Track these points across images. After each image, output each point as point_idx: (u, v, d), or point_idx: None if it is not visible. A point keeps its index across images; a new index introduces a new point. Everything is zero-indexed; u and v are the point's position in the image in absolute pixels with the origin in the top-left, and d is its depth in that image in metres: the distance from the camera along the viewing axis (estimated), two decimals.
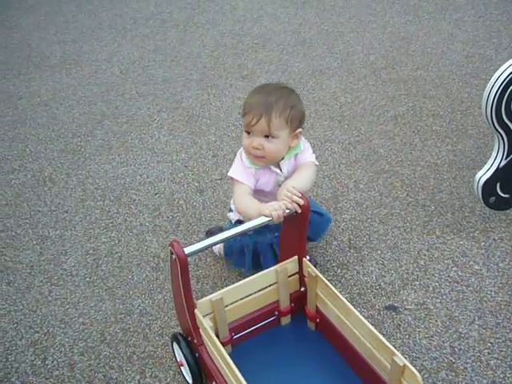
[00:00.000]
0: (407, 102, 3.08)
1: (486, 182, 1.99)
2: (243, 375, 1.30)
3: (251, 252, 1.89)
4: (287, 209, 1.54)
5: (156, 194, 2.51)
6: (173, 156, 2.76)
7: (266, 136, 1.65)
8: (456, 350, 1.76)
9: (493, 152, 1.99)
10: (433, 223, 2.26)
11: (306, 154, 1.80)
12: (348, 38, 3.85)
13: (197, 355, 1.59)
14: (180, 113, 3.12)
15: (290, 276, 1.69)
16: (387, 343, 1.36)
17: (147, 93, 3.35)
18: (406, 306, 1.92)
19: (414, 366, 1.30)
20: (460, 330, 1.83)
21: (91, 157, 2.81)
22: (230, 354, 1.39)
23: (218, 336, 1.57)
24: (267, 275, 1.66)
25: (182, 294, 1.47)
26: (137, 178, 2.62)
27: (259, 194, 1.77)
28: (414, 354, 1.75)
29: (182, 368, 1.68)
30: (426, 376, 1.68)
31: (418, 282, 2.00)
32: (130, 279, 2.09)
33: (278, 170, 1.77)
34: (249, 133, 1.68)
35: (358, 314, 1.47)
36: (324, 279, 1.59)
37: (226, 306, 1.59)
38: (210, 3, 4.59)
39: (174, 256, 1.42)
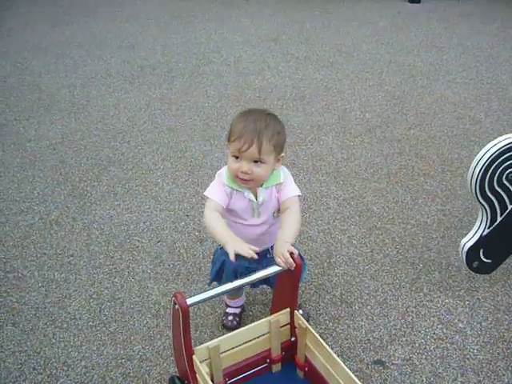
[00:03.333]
0: (400, 161, 3.24)
1: (470, 248, 2.13)
2: None
3: (218, 266, 1.98)
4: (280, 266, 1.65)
5: (158, 241, 2.63)
6: (175, 205, 2.89)
7: (255, 161, 1.71)
8: None
9: (477, 221, 2.14)
10: (421, 281, 2.38)
11: (289, 187, 1.82)
12: (346, 95, 4.04)
13: None
14: (183, 162, 3.27)
15: (281, 326, 1.81)
16: None
17: (152, 141, 3.51)
18: (393, 361, 2.02)
19: None
20: None
21: (97, 202, 2.94)
22: None
23: (213, 380, 1.67)
24: (261, 325, 1.78)
25: (182, 340, 1.59)
26: (140, 225, 2.74)
27: (230, 213, 1.83)
28: None
29: None
30: None
31: (405, 338, 2.11)
32: (131, 325, 2.19)
33: (251, 197, 1.79)
34: (237, 157, 1.73)
35: (342, 364, 1.60)
36: (313, 331, 1.72)
37: (222, 353, 1.70)
38: (214, 54, 4.81)
39: (176, 306, 1.54)
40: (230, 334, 1.75)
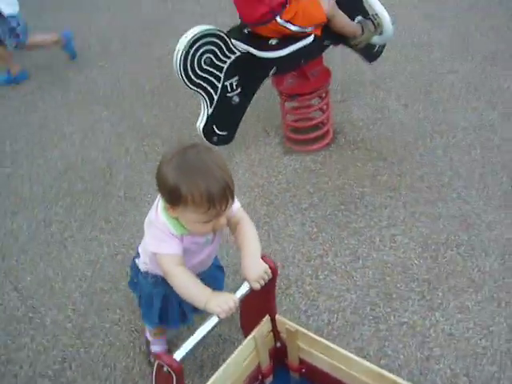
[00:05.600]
0: (161, 76, 3.62)
1: (204, 128, 2.49)
2: None
3: (160, 304, 1.71)
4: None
5: None
6: None
7: None
8: None
9: (201, 105, 2.46)
10: None
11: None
12: None
13: None
14: None
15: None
16: (391, 375, 1.42)
17: None
18: None
19: None
20: None
21: None
22: None
23: None
24: (247, 347, 1.59)
25: None
26: None
27: (185, 252, 1.55)
28: None
29: None
30: None
31: None
32: None
33: None
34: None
35: (358, 359, 1.48)
36: (305, 331, 1.57)
37: None
38: None
39: (165, 368, 1.27)
40: (220, 371, 1.49)
